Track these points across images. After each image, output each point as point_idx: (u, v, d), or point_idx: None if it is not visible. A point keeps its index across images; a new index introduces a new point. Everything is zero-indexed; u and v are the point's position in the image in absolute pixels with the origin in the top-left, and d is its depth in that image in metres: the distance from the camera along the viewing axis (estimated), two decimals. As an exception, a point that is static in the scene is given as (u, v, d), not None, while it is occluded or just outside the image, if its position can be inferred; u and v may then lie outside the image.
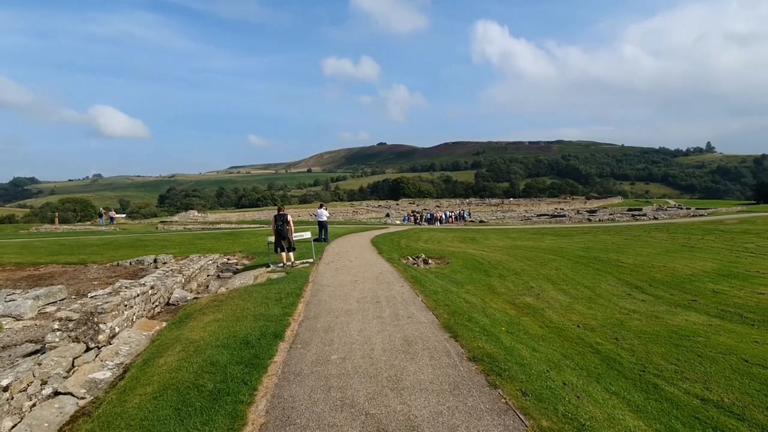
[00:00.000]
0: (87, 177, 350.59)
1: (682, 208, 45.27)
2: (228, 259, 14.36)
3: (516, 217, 48.14)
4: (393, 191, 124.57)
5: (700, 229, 22.28)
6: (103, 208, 44.43)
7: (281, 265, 11.20)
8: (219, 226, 39.52)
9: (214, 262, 13.15)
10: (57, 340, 5.14)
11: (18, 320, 7.30)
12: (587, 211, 48.50)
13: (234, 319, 5.86)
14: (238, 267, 12.79)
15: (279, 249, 11.00)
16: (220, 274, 11.67)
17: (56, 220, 40.89)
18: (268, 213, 79.59)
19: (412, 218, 46.79)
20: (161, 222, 49.11)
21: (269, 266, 11.38)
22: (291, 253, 11.21)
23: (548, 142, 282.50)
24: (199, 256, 13.66)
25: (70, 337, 5.23)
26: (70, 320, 5.30)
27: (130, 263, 13.72)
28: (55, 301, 8.55)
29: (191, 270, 10.43)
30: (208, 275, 11.53)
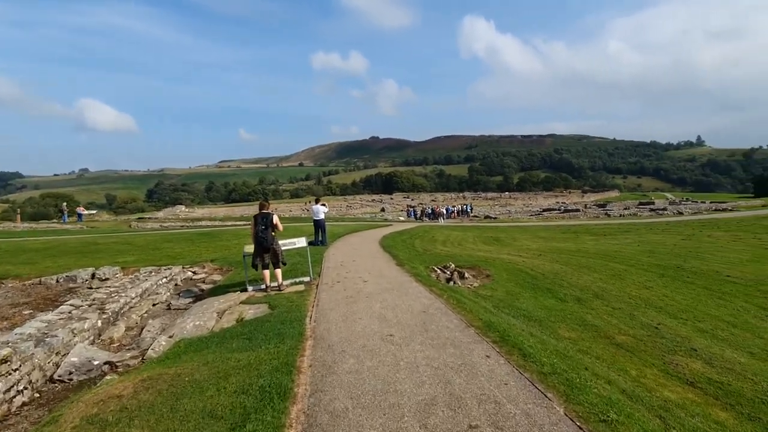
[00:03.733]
0: (73, 171, 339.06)
1: (696, 202, 42.59)
2: (194, 273, 10.71)
3: (523, 212, 45.05)
4: (386, 185, 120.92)
5: (758, 225, 19.23)
6: (66, 204, 39.91)
7: (263, 287, 7.65)
8: (201, 223, 35.61)
9: (170, 279, 9.51)
10: None
11: None
12: (597, 206, 45.62)
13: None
14: (205, 287, 9.17)
15: (261, 265, 7.46)
16: (173, 302, 8.02)
17: (18, 217, 36.47)
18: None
19: (415, 213, 43.22)
20: (137, 219, 44.89)
21: (247, 289, 7.81)
22: (278, 271, 7.66)
23: (541, 135, 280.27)
24: (151, 271, 10.00)
25: None
26: None
27: (59, 280, 9.98)
28: None
29: (123, 301, 6.81)
30: (154, 304, 7.90)
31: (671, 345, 5.45)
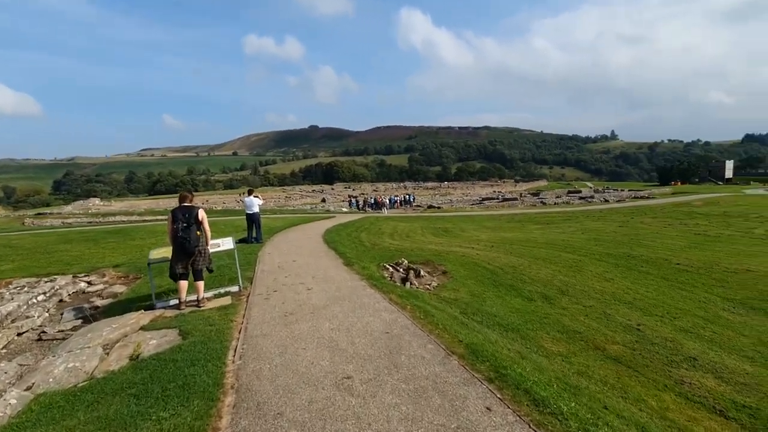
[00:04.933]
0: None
1: (617, 190, 46.17)
2: (89, 283, 8.51)
3: (463, 201, 45.76)
4: (327, 175, 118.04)
5: (679, 212, 20.66)
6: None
7: (176, 302, 5.97)
8: (114, 218, 31.29)
9: (51, 295, 7.34)
10: None
11: None
12: (531, 194, 47.71)
13: None
14: (100, 302, 7.15)
15: (179, 275, 5.77)
16: (48, 329, 5.99)
17: None
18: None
19: (358, 204, 41.88)
20: (36, 215, 38.70)
21: (154, 306, 6.06)
22: (200, 283, 6.00)
23: (476, 128, 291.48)
24: (25, 285, 7.71)
25: None
26: None
27: None
28: None
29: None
30: (19, 333, 5.85)
31: (667, 353, 4.79)
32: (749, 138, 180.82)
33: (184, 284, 5.90)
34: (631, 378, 4.14)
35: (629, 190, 44.96)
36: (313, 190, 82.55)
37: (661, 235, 13.97)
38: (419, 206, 42.33)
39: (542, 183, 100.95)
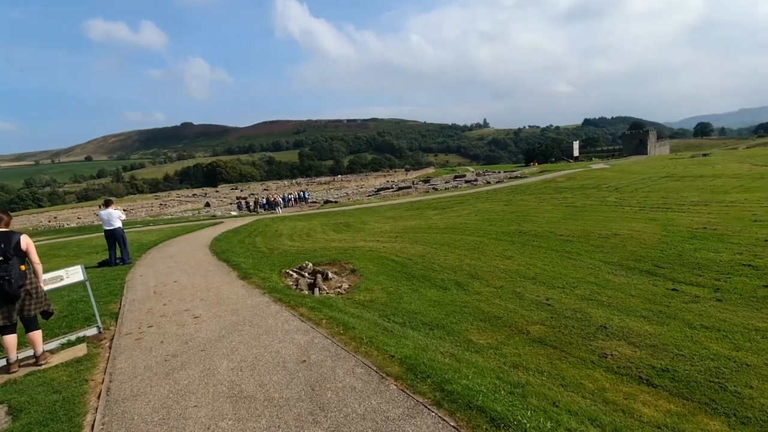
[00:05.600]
0: None
1: (495, 173, 51.31)
2: None
3: (359, 193, 45.94)
4: (209, 177, 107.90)
5: (548, 188, 23.47)
6: None
7: (4, 364, 4.30)
8: None
9: None
10: None
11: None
12: (423, 181, 50.13)
13: None
14: None
15: (1, 329, 4.11)
16: None
17: None
18: (27, 218, 56.11)
19: (248, 205, 38.83)
20: None
21: (-43, 378, 4.24)
22: (35, 334, 4.38)
23: (364, 120, 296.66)
24: None
25: None
26: None
27: None
28: None
29: None
30: None
31: (581, 326, 4.93)
32: (587, 122, 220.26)
33: (10, 340, 4.25)
34: (561, 360, 4.08)
35: (504, 172, 50.31)
36: (194, 195, 74.62)
37: (540, 210, 15.51)
38: (315, 202, 41.17)
39: (430, 170, 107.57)
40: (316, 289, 7.53)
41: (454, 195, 25.81)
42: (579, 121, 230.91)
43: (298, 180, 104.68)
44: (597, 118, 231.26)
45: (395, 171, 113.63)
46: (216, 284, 7.45)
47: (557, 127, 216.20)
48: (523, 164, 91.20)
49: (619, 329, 4.76)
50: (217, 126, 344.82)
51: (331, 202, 36.79)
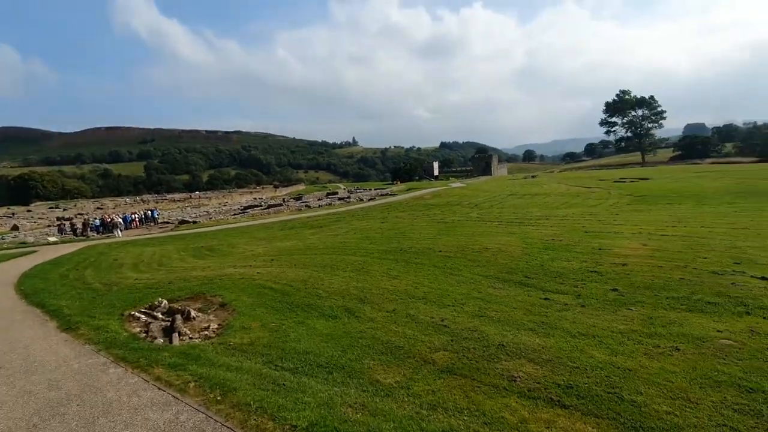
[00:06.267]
0: None
1: (367, 190, 52.92)
2: None
3: (223, 212, 41.88)
4: (18, 193, 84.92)
5: (419, 205, 24.92)
6: None
7: None
8: None
9: None
10: None
11: None
12: (294, 199, 48.50)
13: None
14: None
15: None
16: None
17: None
18: None
19: (75, 229, 31.41)
20: None
21: None
22: None
23: (227, 131, 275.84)
24: None
25: None
26: None
27: None
28: None
29: None
30: None
31: (482, 347, 4.84)
32: (443, 145, 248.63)
33: None
34: (475, 391, 3.83)
35: (375, 189, 52.29)
36: (-6, 215, 57.48)
37: (415, 226, 16.13)
38: (167, 223, 35.83)
39: (301, 187, 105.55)
40: (176, 335, 6.00)
41: (330, 213, 25.37)
42: (437, 144, 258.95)
43: (144, 197, 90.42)
44: (451, 141, 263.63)
45: (263, 187, 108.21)
46: (24, 342, 5.31)
47: (419, 148, 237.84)
48: (390, 182, 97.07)
49: (515, 346, 4.80)
50: (33, 130, 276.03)
51: (188, 222, 32.40)
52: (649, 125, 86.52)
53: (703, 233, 10.59)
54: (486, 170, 76.47)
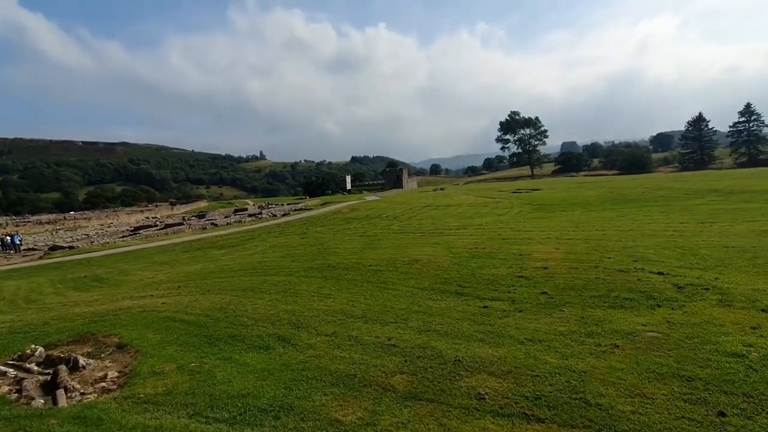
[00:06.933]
0: None
1: (279, 205, 50.56)
2: None
3: (110, 234, 36.48)
4: None
5: (338, 219, 24.39)
6: None
7: None
8: None
9: None
10: None
11: None
12: (197, 217, 44.27)
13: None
14: None
15: None
16: None
17: None
18: None
19: None
20: None
21: None
22: None
23: (110, 143, 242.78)
24: None
25: None
26: None
27: None
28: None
29: None
30: None
31: (439, 365, 4.58)
32: (354, 159, 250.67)
33: None
34: (447, 416, 3.52)
35: (288, 204, 50.26)
36: None
37: (338, 241, 15.61)
38: (34, 249, 29.95)
39: (202, 203, 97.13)
40: (61, 392, 4.67)
41: (241, 230, 23.48)
42: (348, 158, 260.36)
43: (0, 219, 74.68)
44: (362, 156, 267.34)
45: (157, 205, 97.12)
46: None
47: (330, 163, 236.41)
48: (302, 197, 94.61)
49: (471, 360, 4.64)
50: None
51: (62, 248, 27.31)
52: (536, 143, 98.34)
53: (599, 236, 11.97)
54: (397, 183, 78.94)
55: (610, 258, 8.99)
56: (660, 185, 32.01)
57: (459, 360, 4.66)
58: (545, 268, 8.62)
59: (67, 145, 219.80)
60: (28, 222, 67.27)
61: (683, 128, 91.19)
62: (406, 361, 4.79)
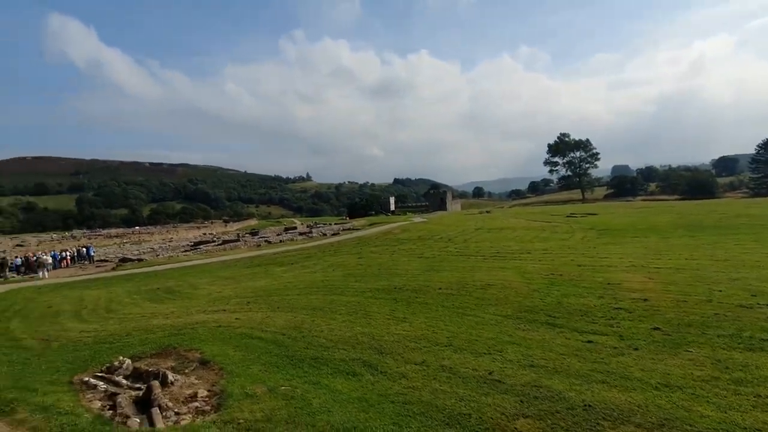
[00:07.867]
0: None
1: (328, 225, 51.38)
2: None
3: (172, 248, 38.44)
4: None
5: (389, 239, 24.14)
6: None
7: None
8: None
9: None
10: None
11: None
12: (250, 234, 45.85)
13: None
14: None
15: None
16: None
17: None
18: None
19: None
20: None
21: None
22: None
23: (172, 164, 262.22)
24: None
25: None
26: None
27: None
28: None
29: None
30: None
31: (565, 409, 4.00)
32: (397, 181, 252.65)
33: None
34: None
35: (336, 224, 50.94)
36: None
37: (397, 262, 15.26)
38: (106, 261, 32.06)
39: (253, 222, 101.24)
40: (156, 411, 4.56)
41: (297, 248, 23.82)
42: (390, 180, 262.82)
43: (74, 232, 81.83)
44: (404, 178, 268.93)
45: (212, 222, 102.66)
46: None
47: (373, 184, 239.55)
48: (346, 217, 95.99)
49: (604, 407, 4.02)
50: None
51: (131, 260, 29.06)
52: (586, 165, 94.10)
53: (693, 266, 10.74)
54: (441, 206, 78.01)
55: (721, 291, 7.92)
56: (737, 212, 29.10)
57: (589, 405, 4.06)
58: (645, 300, 7.73)
59: (135, 167, 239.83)
60: (100, 235, 73.20)
61: (749, 151, 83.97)
62: (522, 402, 4.25)
